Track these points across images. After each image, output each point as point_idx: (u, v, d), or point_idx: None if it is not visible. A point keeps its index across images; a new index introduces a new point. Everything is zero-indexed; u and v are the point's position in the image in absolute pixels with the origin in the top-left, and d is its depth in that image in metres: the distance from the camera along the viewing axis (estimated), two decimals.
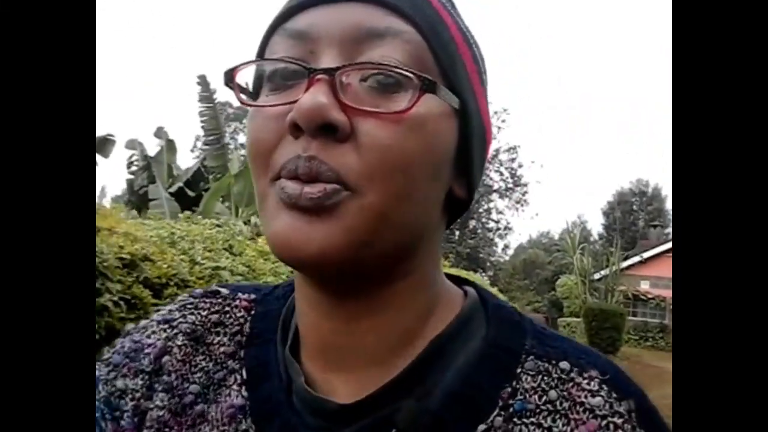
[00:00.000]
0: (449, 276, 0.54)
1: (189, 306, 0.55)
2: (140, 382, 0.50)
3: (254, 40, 0.48)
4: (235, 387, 0.50)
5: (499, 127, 29.90)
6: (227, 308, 0.55)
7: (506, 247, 34.20)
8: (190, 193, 10.20)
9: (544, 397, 0.44)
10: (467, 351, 0.47)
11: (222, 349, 0.52)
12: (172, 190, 9.61)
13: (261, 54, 0.46)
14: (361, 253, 0.41)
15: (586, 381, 0.44)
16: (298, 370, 0.48)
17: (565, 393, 0.44)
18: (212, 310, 0.54)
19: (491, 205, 30.93)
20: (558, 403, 0.44)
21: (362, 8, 0.43)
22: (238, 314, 0.55)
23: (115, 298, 2.30)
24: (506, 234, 32.17)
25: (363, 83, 0.41)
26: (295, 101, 0.40)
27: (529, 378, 0.45)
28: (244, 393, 0.49)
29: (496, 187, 30.47)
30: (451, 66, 0.45)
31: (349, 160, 0.40)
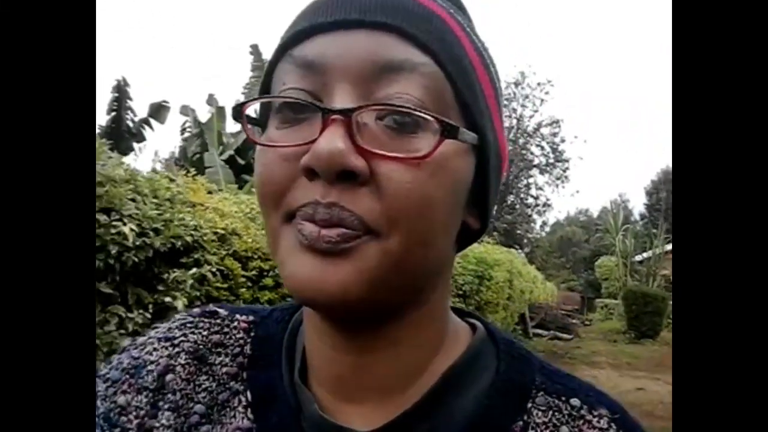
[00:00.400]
0: (453, 309, 0.54)
1: (189, 325, 0.54)
2: (144, 399, 0.49)
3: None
4: (240, 409, 0.49)
5: (542, 100, 29.30)
6: (226, 329, 0.54)
7: (544, 224, 33.82)
8: (240, 161, 10.45)
9: None
10: (479, 384, 0.48)
11: (225, 369, 0.51)
12: (223, 157, 9.86)
13: (268, 76, 0.45)
14: (378, 296, 0.40)
15: (596, 419, 0.46)
16: (311, 397, 0.47)
17: (576, 430, 0.46)
18: (212, 330, 0.54)
19: (531, 180, 30.50)
20: None
21: (376, 37, 0.40)
22: (238, 335, 0.54)
23: (213, 269, 2.49)
24: (545, 211, 31.71)
25: (379, 122, 0.40)
26: (309, 142, 0.39)
27: (540, 413, 0.46)
28: (250, 416, 0.49)
29: (536, 162, 29.98)
30: (472, 97, 0.43)
31: (369, 205, 0.39)
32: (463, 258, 5.76)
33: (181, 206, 2.54)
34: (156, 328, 0.54)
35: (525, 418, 0.46)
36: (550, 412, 0.46)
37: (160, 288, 2.38)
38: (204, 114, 11.55)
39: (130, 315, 2.25)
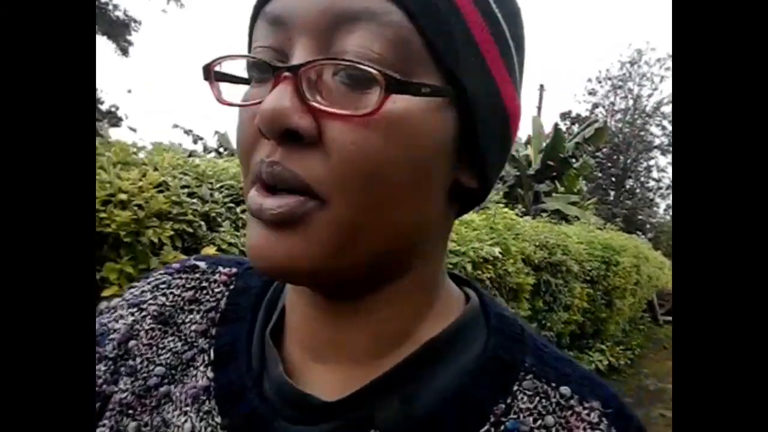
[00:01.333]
0: (451, 276, 0.49)
1: (162, 286, 0.51)
2: (103, 368, 0.47)
3: None
4: (201, 368, 0.47)
5: (662, 77, 27.53)
6: (204, 283, 0.51)
7: (668, 207, 31.75)
8: None
9: (540, 421, 0.41)
10: (463, 359, 0.43)
11: (193, 327, 0.49)
12: None
13: (250, 37, 0.42)
14: (332, 265, 0.37)
15: (586, 411, 0.41)
16: (277, 357, 0.44)
17: (562, 421, 0.41)
18: (187, 286, 0.51)
19: (651, 162, 28.78)
20: (554, 430, 0.41)
21: None
22: (216, 290, 0.51)
23: None
24: (668, 194, 29.78)
25: (335, 78, 0.36)
26: (261, 102, 0.36)
27: (526, 398, 0.42)
28: (210, 374, 0.46)
29: (657, 142, 28.23)
30: (447, 47, 0.37)
31: (316, 168, 0.35)
32: (589, 244, 5.85)
33: None
34: (133, 286, 0.53)
35: (508, 401, 0.41)
36: (537, 398, 0.42)
37: None
38: None
39: None
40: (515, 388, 0.42)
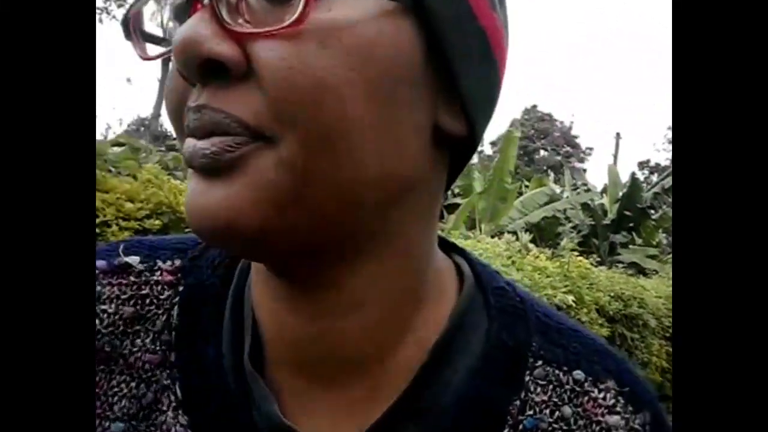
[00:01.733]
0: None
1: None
2: None
3: None
4: (170, 412, 0.37)
5: None
6: (144, 289, 0.40)
7: None
8: None
9: (557, 413, 0.39)
10: (467, 352, 0.39)
11: (146, 357, 0.39)
12: None
13: None
14: (286, 218, 0.30)
15: (602, 395, 0.39)
16: (266, 391, 0.36)
17: (579, 410, 0.39)
18: (123, 297, 0.40)
19: None
20: (572, 421, 0.39)
21: None
22: (162, 296, 0.40)
23: None
24: None
25: None
26: None
27: (539, 389, 0.39)
28: (182, 419, 0.37)
29: None
30: None
31: (251, 102, 0.29)
32: (669, 299, 5.60)
33: None
34: None
35: (522, 395, 0.38)
36: (550, 387, 0.39)
37: None
38: None
39: None
40: (527, 378, 0.39)
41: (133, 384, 0.38)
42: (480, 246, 4.03)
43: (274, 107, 0.29)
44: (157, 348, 0.39)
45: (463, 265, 0.43)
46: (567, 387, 0.40)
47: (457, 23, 0.33)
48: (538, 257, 4.26)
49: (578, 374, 0.40)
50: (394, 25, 0.31)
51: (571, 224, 10.15)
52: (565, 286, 3.67)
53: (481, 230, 8.80)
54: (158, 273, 0.41)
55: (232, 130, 0.29)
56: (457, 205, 9.25)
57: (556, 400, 0.39)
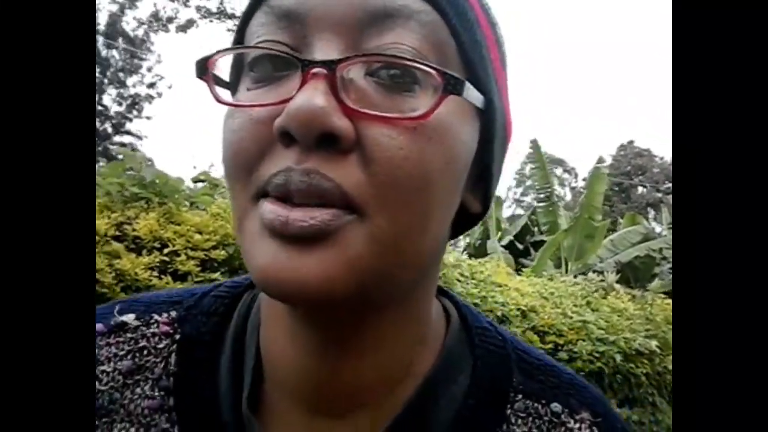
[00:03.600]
0: None
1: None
2: None
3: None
4: None
5: None
6: (141, 342, 0.42)
7: None
8: (519, 246, 11.01)
9: None
10: (455, 388, 0.41)
11: (145, 403, 0.40)
12: (503, 243, 10.55)
13: (241, 33, 0.37)
14: (370, 286, 0.32)
15: (577, 426, 0.42)
16: None
17: None
18: (121, 353, 0.41)
19: None
20: None
21: None
22: (159, 345, 0.42)
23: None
24: None
25: (369, 78, 0.32)
26: (285, 100, 0.31)
27: (520, 420, 0.41)
28: None
29: None
30: (477, 54, 0.35)
31: (355, 175, 0.31)
32: None
33: (492, 285, 3.12)
34: None
35: (504, 427, 0.41)
36: (530, 419, 0.42)
37: None
38: None
39: None
40: (508, 411, 0.41)
41: (132, 429, 0.39)
42: (551, 285, 3.90)
43: (379, 187, 0.31)
44: (156, 394, 0.40)
45: (450, 307, 0.46)
46: (545, 419, 0.42)
47: (501, 123, 0.39)
48: (619, 298, 4.05)
49: (555, 407, 0.42)
50: (470, 126, 0.36)
51: (669, 265, 9.52)
52: (647, 329, 3.46)
53: (567, 269, 8.46)
54: (155, 325, 0.43)
55: (334, 200, 0.31)
56: (542, 242, 8.99)
57: (535, 430, 0.42)
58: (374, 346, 0.38)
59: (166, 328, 0.42)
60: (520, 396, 0.42)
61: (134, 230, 1.89)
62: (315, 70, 0.31)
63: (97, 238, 1.78)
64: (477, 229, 11.60)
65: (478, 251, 9.38)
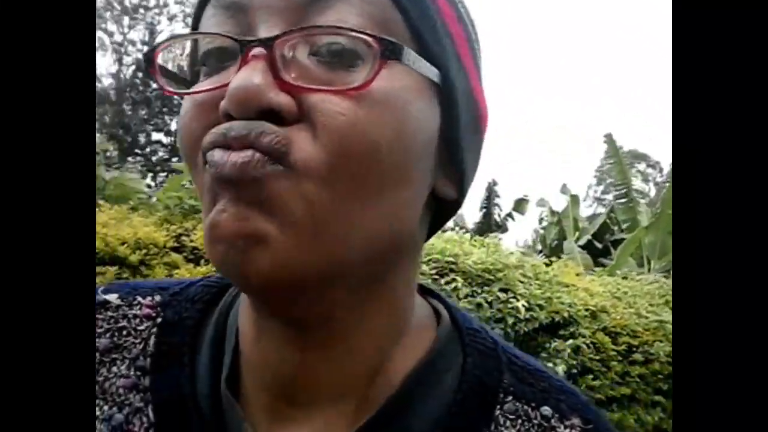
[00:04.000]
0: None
1: None
2: None
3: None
4: None
5: None
6: (122, 322, 0.42)
7: None
8: (597, 245, 10.54)
9: None
10: (443, 386, 0.40)
11: (120, 382, 0.40)
12: (581, 243, 10.14)
13: (195, 29, 0.37)
14: (305, 255, 0.31)
15: (567, 431, 0.41)
16: (240, 415, 0.37)
17: None
18: (99, 330, 0.41)
19: None
20: None
21: None
22: (140, 327, 0.41)
23: (587, 342, 2.85)
24: None
25: (313, 57, 0.32)
26: (225, 84, 0.31)
27: (509, 422, 0.40)
28: None
29: None
30: (428, 28, 0.35)
31: (301, 142, 0.31)
32: None
33: (558, 286, 3.01)
34: None
35: (492, 428, 0.40)
36: (519, 421, 0.40)
37: (543, 355, 2.85)
38: (560, 203, 12.21)
39: None
40: (497, 412, 0.40)
41: (106, 407, 0.39)
42: (625, 284, 3.69)
43: (326, 154, 0.30)
44: (131, 373, 0.40)
45: (440, 308, 0.45)
46: (535, 422, 0.41)
47: (467, 103, 0.38)
48: None
49: (545, 410, 0.41)
50: (428, 102, 0.35)
51: None
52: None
53: (650, 268, 8.00)
54: (137, 307, 0.42)
55: (275, 152, 0.30)
56: (622, 240, 8.55)
57: None
58: (341, 338, 0.37)
59: (148, 311, 0.42)
60: (510, 397, 0.41)
61: (192, 241, 1.97)
62: (254, 51, 0.31)
63: (157, 249, 1.87)
64: (553, 230, 11.24)
65: (554, 251, 9.08)
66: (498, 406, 0.41)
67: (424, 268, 2.58)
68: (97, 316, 0.42)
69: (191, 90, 0.34)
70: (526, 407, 0.41)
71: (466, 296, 2.59)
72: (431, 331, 0.43)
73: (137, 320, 0.42)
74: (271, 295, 0.34)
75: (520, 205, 12.34)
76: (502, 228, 12.69)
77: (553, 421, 0.41)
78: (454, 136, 0.37)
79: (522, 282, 2.81)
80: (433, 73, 0.35)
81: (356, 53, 0.32)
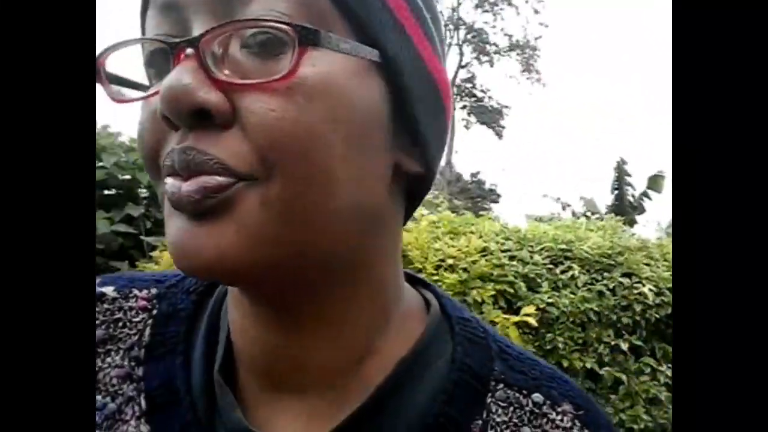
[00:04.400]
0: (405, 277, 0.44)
1: None
2: None
3: None
4: (132, 422, 0.38)
5: None
6: (117, 314, 0.42)
7: None
8: None
9: None
10: (433, 374, 0.40)
11: (114, 372, 0.40)
12: None
13: (142, 32, 0.37)
14: (269, 255, 0.32)
15: (559, 417, 0.41)
16: (231, 399, 0.38)
17: (538, 430, 0.40)
18: (96, 322, 0.42)
19: None
20: None
21: None
22: (135, 319, 0.42)
23: None
24: None
25: (244, 50, 0.32)
26: None
27: (500, 410, 0.40)
28: (144, 428, 0.38)
29: None
30: (359, 4, 0.34)
31: (235, 146, 0.31)
32: None
33: None
34: None
35: (484, 416, 0.40)
36: (511, 409, 0.40)
37: None
38: None
39: (660, 368, 2.52)
40: (489, 400, 0.40)
41: (99, 397, 0.39)
42: None
43: (260, 153, 0.31)
44: (125, 363, 0.40)
45: (430, 297, 0.45)
46: (527, 409, 0.41)
47: (417, 76, 0.37)
48: None
49: (537, 397, 0.41)
50: (369, 79, 0.34)
51: None
52: None
53: None
54: (133, 299, 0.43)
55: (216, 173, 0.31)
56: None
57: (516, 421, 0.40)
58: (325, 321, 0.38)
59: (144, 303, 0.43)
60: (501, 385, 0.41)
61: None
62: (186, 51, 0.31)
63: None
64: None
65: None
66: (489, 394, 0.41)
67: (536, 258, 2.45)
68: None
69: (136, 97, 0.35)
70: (517, 395, 0.41)
71: (585, 284, 2.43)
72: (420, 319, 0.43)
73: (133, 312, 0.42)
74: (228, 281, 0.35)
75: (655, 182, 11.30)
76: (638, 209, 11.70)
77: (544, 407, 0.41)
78: (406, 109, 0.36)
79: (648, 265, 2.56)
80: (367, 52, 0.34)
81: (281, 41, 0.31)
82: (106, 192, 3.60)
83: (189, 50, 0.31)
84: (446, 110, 0.40)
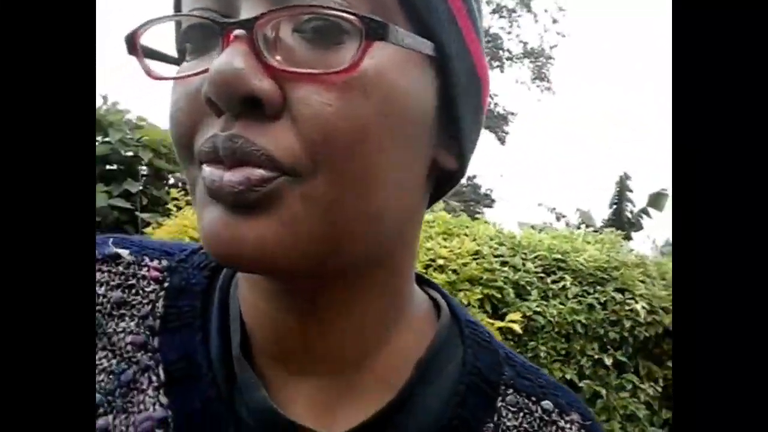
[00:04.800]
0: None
1: None
2: None
3: None
4: (150, 392, 0.37)
5: None
6: (132, 280, 0.41)
7: None
8: None
9: None
10: (446, 376, 0.40)
11: (129, 338, 0.39)
12: None
13: (178, 6, 0.35)
14: (314, 253, 0.31)
15: (568, 426, 0.41)
16: (254, 378, 0.37)
17: None
18: (112, 284, 0.40)
19: None
20: None
21: None
22: (147, 289, 0.41)
23: None
24: None
25: (297, 34, 0.30)
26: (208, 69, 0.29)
27: (510, 414, 0.41)
28: (163, 399, 0.37)
29: None
30: (423, 1, 0.32)
31: (284, 140, 0.29)
32: None
33: None
34: None
35: (495, 419, 0.40)
36: (521, 414, 0.41)
37: (669, 364, 2.55)
38: None
39: (641, 386, 2.51)
40: (499, 404, 0.41)
41: (114, 361, 0.38)
42: None
43: (310, 148, 0.29)
44: (141, 331, 0.39)
45: (438, 297, 0.45)
46: (536, 415, 0.41)
47: (465, 71, 0.36)
48: None
49: (546, 404, 0.42)
50: (423, 75, 0.33)
51: None
52: None
53: None
54: (145, 269, 0.41)
55: (262, 164, 0.29)
56: None
57: (526, 426, 0.40)
58: (344, 311, 0.37)
59: (156, 274, 0.42)
60: (511, 390, 0.42)
61: None
62: (235, 32, 0.29)
63: None
64: None
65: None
66: (500, 398, 0.41)
67: (529, 265, 2.44)
68: (108, 268, 0.41)
69: (176, 75, 0.33)
70: (526, 401, 0.41)
71: (575, 296, 2.41)
72: (430, 318, 0.43)
73: (145, 281, 0.41)
74: (265, 274, 0.35)
75: (656, 200, 11.27)
76: (635, 226, 11.68)
77: (554, 415, 0.41)
78: (452, 107, 0.36)
79: (643, 282, 2.54)
80: (426, 46, 0.33)
81: (342, 29, 0.30)
82: (107, 166, 3.62)
83: (240, 32, 0.29)
84: (485, 107, 0.40)
